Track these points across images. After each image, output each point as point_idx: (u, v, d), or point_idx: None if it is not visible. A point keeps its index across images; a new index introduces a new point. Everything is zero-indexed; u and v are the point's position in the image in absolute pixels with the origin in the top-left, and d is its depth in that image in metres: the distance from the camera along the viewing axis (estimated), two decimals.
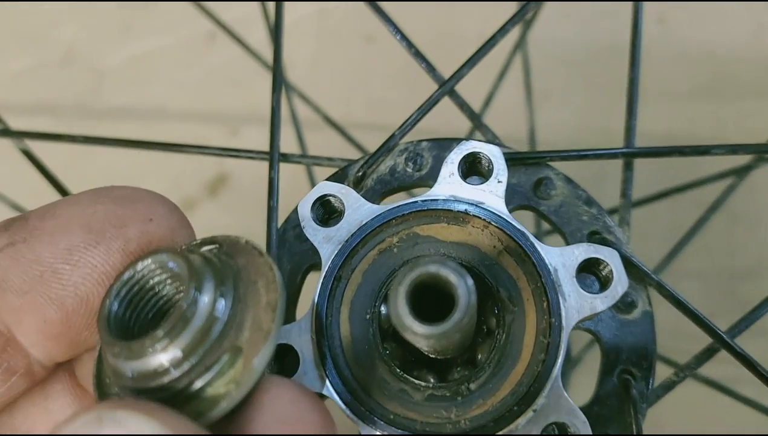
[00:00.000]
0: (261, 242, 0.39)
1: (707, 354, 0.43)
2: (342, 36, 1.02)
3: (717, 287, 0.68)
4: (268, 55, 0.87)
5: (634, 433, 0.40)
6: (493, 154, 0.39)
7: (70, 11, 1.17)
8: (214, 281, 0.32)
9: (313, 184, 0.40)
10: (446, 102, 0.50)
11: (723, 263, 0.63)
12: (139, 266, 0.33)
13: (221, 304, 0.32)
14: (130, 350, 0.31)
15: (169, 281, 0.33)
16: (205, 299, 0.31)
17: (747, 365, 0.42)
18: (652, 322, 0.42)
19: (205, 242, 0.36)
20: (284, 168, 0.49)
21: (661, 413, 0.82)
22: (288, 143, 0.57)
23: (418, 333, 0.29)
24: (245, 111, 1.03)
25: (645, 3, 0.52)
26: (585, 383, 0.50)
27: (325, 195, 0.39)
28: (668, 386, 0.43)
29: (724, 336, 0.42)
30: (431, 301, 0.31)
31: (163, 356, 0.31)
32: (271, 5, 0.79)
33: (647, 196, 0.63)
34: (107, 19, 1.15)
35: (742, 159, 0.65)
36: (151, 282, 0.33)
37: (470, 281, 0.29)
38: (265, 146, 0.48)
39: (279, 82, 0.50)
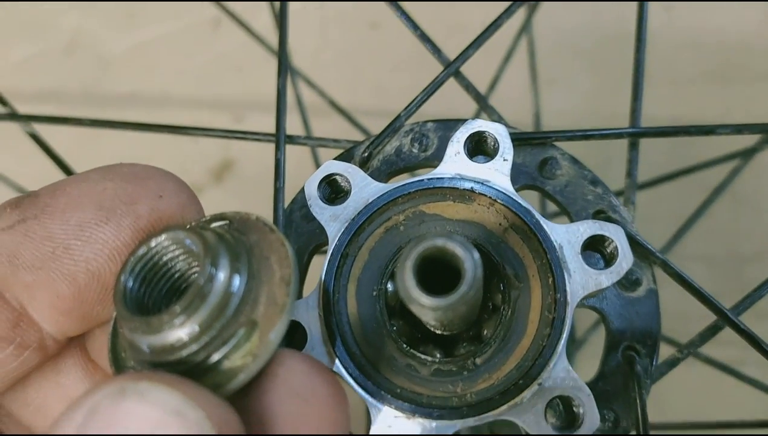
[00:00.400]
0: None
1: (711, 331, 0.43)
2: (346, 23, 1.02)
3: (723, 270, 0.68)
4: (272, 41, 0.87)
5: (639, 409, 0.40)
6: (498, 132, 0.39)
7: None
8: (228, 257, 0.32)
9: (318, 166, 0.41)
10: (452, 88, 0.50)
11: (729, 246, 0.63)
12: (153, 242, 0.33)
13: (236, 280, 0.32)
14: (148, 325, 0.31)
15: (182, 257, 0.34)
16: (221, 275, 0.32)
17: (751, 342, 0.42)
18: (656, 300, 0.42)
19: (215, 218, 0.36)
20: (290, 152, 0.49)
21: (666, 397, 0.82)
22: (294, 129, 0.57)
23: (425, 305, 0.29)
24: (250, 98, 1.03)
25: None
26: (590, 365, 0.50)
27: (332, 174, 0.40)
28: (672, 363, 0.43)
29: (729, 314, 0.42)
30: (438, 276, 0.32)
31: (181, 331, 0.31)
32: None
33: (653, 179, 0.63)
34: (111, 6, 1.15)
35: (747, 142, 0.65)
36: (165, 258, 0.34)
37: (476, 254, 0.30)
38: (270, 131, 0.48)
39: (284, 64, 0.50)
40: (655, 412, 0.80)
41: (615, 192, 0.48)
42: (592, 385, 0.41)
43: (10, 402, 0.41)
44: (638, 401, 0.40)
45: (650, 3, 0.52)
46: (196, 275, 0.34)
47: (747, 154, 0.62)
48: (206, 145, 1.03)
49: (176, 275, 0.34)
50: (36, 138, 0.55)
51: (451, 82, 0.49)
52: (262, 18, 0.92)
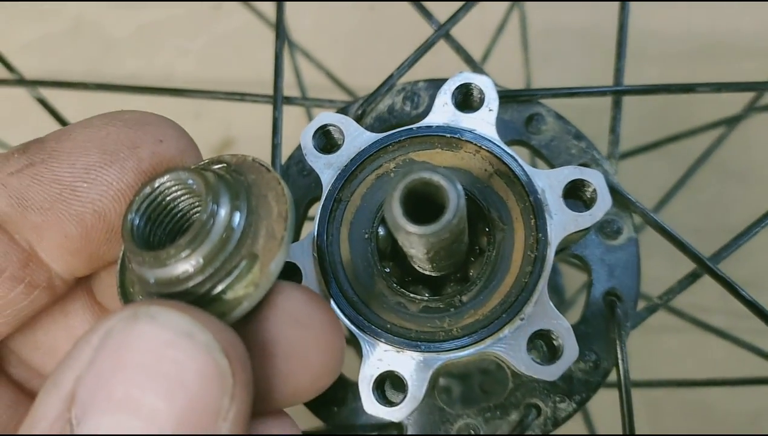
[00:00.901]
0: None
1: (690, 279, 0.45)
2: (344, 3, 1.03)
3: (712, 242, 0.70)
4: (271, 19, 0.89)
5: (618, 350, 0.42)
6: (484, 84, 0.41)
7: None
8: (228, 194, 0.34)
9: None
10: (445, 57, 0.52)
11: (718, 217, 0.65)
12: (157, 182, 0.35)
13: (237, 216, 0.34)
14: (156, 259, 0.33)
15: (185, 196, 0.36)
16: (222, 211, 0.34)
17: (727, 287, 0.44)
18: (636, 247, 0.44)
19: (213, 161, 0.38)
20: (288, 117, 0.51)
21: (649, 360, 0.84)
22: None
23: (412, 232, 0.31)
24: (249, 77, 1.05)
25: None
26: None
27: (326, 124, 0.41)
28: (652, 309, 0.45)
29: (707, 261, 0.44)
30: (426, 213, 0.34)
31: (186, 263, 0.33)
32: None
33: (640, 146, 0.65)
34: None
35: (732, 110, 0.67)
36: (169, 197, 0.36)
37: (459, 186, 0.32)
38: (269, 110, 0.50)
39: (282, 29, 0.52)
40: (637, 373, 0.82)
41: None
42: (574, 328, 0.43)
43: (21, 346, 0.43)
44: (618, 342, 0.42)
45: None
46: (198, 212, 0.36)
47: (732, 121, 0.64)
48: (208, 124, 1.05)
49: (179, 214, 0.36)
50: (43, 102, 0.57)
51: (446, 53, 0.51)
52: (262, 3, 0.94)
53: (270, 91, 0.51)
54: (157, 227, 0.36)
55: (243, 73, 1.06)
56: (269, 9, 0.89)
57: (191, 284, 0.33)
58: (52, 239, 0.38)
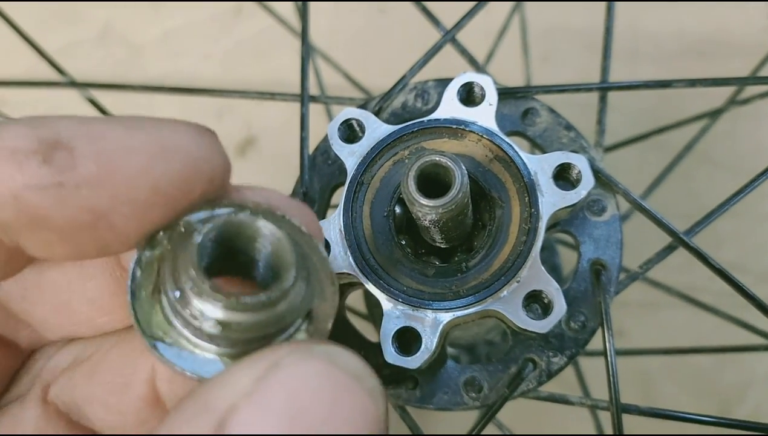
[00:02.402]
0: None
1: (667, 251, 0.51)
2: (357, 7, 1.10)
3: (702, 230, 0.76)
4: (293, 24, 0.96)
5: (603, 311, 0.49)
6: (485, 82, 0.48)
7: None
8: (301, 264, 0.34)
9: None
10: (452, 60, 0.59)
11: (708, 205, 0.72)
12: (253, 222, 0.34)
13: (303, 282, 0.34)
14: (236, 303, 0.31)
15: (260, 244, 0.34)
16: (301, 283, 0.33)
17: (700, 258, 0.50)
18: (619, 222, 0.51)
19: (265, 210, 0.35)
20: (311, 116, 0.57)
21: (647, 334, 0.90)
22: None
23: (425, 204, 0.38)
24: (270, 79, 1.12)
25: None
26: None
27: (349, 118, 0.48)
28: (633, 277, 0.51)
29: (680, 235, 0.50)
30: (435, 189, 0.40)
31: (255, 315, 0.32)
32: None
33: (628, 138, 0.72)
34: None
35: (716, 103, 0.73)
36: (243, 233, 0.34)
37: (463, 167, 0.38)
38: (291, 111, 0.57)
39: (306, 34, 0.58)
40: (619, 341, 0.89)
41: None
42: (565, 292, 0.50)
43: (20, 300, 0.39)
44: (602, 304, 0.49)
45: None
46: (265, 259, 0.35)
47: (715, 114, 0.70)
48: (230, 124, 1.13)
49: (244, 249, 0.35)
50: (94, 102, 0.64)
51: (453, 56, 0.58)
52: (284, 4, 1.01)
53: (292, 90, 0.58)
54: (218, 256, 0.34)
55: (264, 73, 1.13)
56: (287, 13, 0.96)
57: (258, 334, 0.32)
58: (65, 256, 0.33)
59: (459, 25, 0.56)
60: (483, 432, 0.50)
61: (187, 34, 1.19)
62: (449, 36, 0.56)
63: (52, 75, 0.72)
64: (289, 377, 0.27)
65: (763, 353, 0.78)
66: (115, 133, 0.31)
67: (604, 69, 0.56)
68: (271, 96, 0.60)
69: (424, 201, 0.38)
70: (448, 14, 0.62)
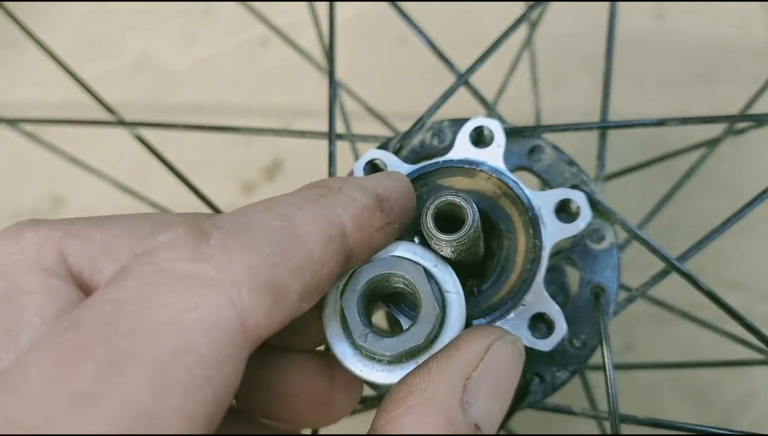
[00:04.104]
0: None
1: (660, 275, 0.57)
2: (377, 39, 1.17)
3: (707, 247, 0.81)
4: (316, 55, 1.03)
5: (602, 330, 0.54)
6: (494, 126, 0.53)
7: (140, 22, 1.35)
8: None
9: (358, 157, 0.55)
10: (467, 97, 0.64)
11: (712, 224, 0.77)
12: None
13: None
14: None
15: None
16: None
17: (691, 282, 0.55)
18: (617, 249, 0.56)
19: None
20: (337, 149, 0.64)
21: (638, 342, 0.95)
22: (338, 130, 0.73)
23: (441, 239, 0.44)
24: (296, 107, 1.19)
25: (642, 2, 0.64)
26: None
27: (373, 158, 0.54)
28: (630, 299, 0.57)
29: (673, 261, 0.55)
30: (450, 224, 0.46)
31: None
32: (320, 11, 0.95)
33: (626, 168, 0.77)
34: (173, 28, 1.32)
35: (713, 133, 0.78)
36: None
37: (474, 206, 0.44)
38: (315, 133, 0.63)
39: (333, 75, 0.65)
40: (628, 355, 0.94)
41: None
42: (566, 313, 0.55)
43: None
44: (601, 324, 0.54)
45: (642, 12, 0.64)
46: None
47: (712, 143, 0.76)
48: (258, 148, 1.20)
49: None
50: (142, 140, 0.71)
51: (466, 95, 0.64)
52: (307, 36, 1.07)
53: (317, 115, 0.64)
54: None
55: (290, 101, 1.20)
56: (313, 49, 1.03)
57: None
58: None
59: (472, 69, 0.62)
60: None
61: (217, 64, 1.27)
62: (462, 80, 0.62)
63: (89, 102, 0.78)
64: (503, 355, 0.42)
65: (763, 367, 0.83)
66: (395, 184, 0.46)
67: (604, 108, 0.61)
68: (301, 134, 0.67)
69: (441, 236, 0.44)
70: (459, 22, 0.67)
